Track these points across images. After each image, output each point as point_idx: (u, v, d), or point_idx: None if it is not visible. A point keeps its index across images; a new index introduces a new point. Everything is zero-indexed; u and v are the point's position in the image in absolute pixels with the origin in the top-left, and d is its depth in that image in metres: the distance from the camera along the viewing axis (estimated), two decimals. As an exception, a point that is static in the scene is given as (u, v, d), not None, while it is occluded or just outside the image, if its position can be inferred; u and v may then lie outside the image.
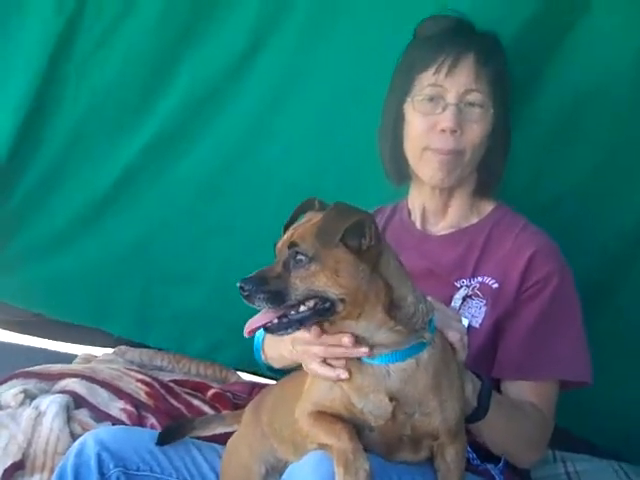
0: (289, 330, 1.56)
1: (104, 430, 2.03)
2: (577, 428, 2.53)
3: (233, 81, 2.67)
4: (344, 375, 1.58)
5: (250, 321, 1.58)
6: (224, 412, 2.38)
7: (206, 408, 2.59)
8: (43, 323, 3.21)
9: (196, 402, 2.62)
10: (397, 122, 2.09)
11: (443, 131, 1.98)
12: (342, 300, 1.51)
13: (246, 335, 1.59)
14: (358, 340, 1.56)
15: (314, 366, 1.64)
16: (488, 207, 2.14)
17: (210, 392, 2.71)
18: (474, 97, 1.99)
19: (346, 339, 1.56)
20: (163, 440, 1.98)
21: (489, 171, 2.10)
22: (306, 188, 2.26)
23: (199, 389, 2.75)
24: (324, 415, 1.60)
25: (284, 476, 1.61)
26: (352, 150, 2.53)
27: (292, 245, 1.52)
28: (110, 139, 2.82)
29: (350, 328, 1.56)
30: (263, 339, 2.03)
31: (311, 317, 1.54)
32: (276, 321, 1.54)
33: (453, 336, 1.67)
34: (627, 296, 2.45)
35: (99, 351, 3.14)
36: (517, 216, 2.10)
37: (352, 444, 1.52)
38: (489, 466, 1.92)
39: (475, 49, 2.00)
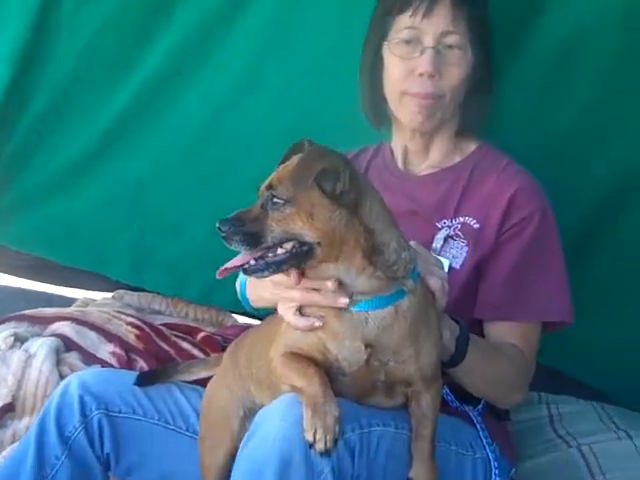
0: (265, 272, 1.55)
1: (88, 373, 2.03)
2: (564, 366, 2.54)
3: (222, 29, 2.67)
4: (318, 323, 1.57)
5: (228, 263, 1.57)
6: (209, 357, 2.38)
7: (195, 351, 2.60)
8: (43, 267, 3.21)
9: (186, 345, 2.63)
10: (375, 66, 2.07)
11: (421, 75, 1.96)
12: (319, 244, 1.50)
13: (218, 276, 1.58)
14: (339, 287, 1.56)
15: (289, 314, 1.63)
16: (471, 146, 2.11)
17: (200, 335, 2.72)
18: (452, 39, 1.96)
19: (329, 284, 1.55)
20: (142, 381, 1.99)
21: (471, 113, 2.08)
22: (296, 134, 2.16)
23: (189, 332, 2.76)
24: (298, 357, 1.59)
25: (255, 419, 1.61)
26: (341, 94, 2.48)
27: (269, 187, 1.52)
28: (102, 87, 2.83)
29: (329, 272, 1.55)
30: (246, 280, 2.02)
31: (288, 260, 1.53)
32: (253, 262, 1.54)
33: (434, 283, 1.66)
34: (618, 233, 2.43)
35: (98, 295, 3.16)
36: (500, 155, 2.07)
37: (322, 388, 1.51)
38: (468, 408, 1.93)
39: None
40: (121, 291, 3.09)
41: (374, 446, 1.60)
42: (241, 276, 1.98)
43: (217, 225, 1.49)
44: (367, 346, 1.55)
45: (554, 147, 2.38)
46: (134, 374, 2.05)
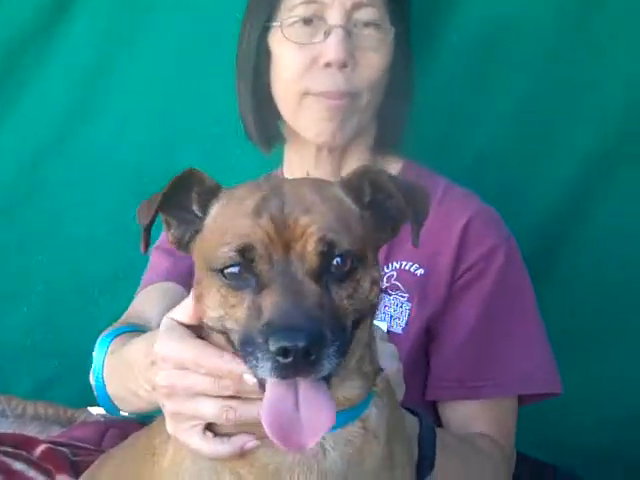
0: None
1: None
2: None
3: (39, 48, 2.28)
4: (251, 443, 1.04)
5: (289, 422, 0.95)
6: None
7: (32, 473, 2.01)
8: None
9: (19, 466, 2.03)
10: (260, 61, 1.62)
11: (328, 65, 1.52)
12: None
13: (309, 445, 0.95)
14: None
15: (192, 437, 1.07)
16: (395, 166, 1.70)
17: (39, 449, 2.10)
18: (367, 13, 1.54)
19: (248, 377, 1.00)
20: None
21: (391, 117, 1.66)
22: (144, 174, 2.13)
23: (24, 445, 2.14)
24: None
25: None
26: (206, 112, 2.15)
27: (327, 245, 0.98)
28: None
29: None
30: (102, 365, 1.39)
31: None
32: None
33: (389, 367, 1.16)
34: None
35: None
36: (435, 175, 1.70)
37: None
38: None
39: None
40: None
41: None
42: (95, 362, 1.38)
43: (285, 345, 0.90)
44: None
45: (480, 167, 2.05)
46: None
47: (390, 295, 1.55)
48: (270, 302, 0.93)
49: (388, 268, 1.57)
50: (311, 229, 0.97)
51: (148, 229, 1.04)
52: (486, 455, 1.49)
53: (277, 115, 1.63)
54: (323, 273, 0.97)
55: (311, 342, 0.89)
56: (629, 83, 2.01)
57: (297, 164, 1.67)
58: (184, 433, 1.07)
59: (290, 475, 1.04)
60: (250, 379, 0.98)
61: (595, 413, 2.07)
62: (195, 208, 1.07)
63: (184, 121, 2.20)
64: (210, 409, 1.03)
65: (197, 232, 1.07)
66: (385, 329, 1.52)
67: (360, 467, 1.06)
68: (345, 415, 1.04)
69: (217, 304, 1.00)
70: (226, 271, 0.97)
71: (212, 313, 1.01)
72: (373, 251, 1.04)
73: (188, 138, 2.20)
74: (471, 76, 2.04)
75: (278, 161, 1.80)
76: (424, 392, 1.56)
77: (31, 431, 2.43)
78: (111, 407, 1.35)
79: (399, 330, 1.53)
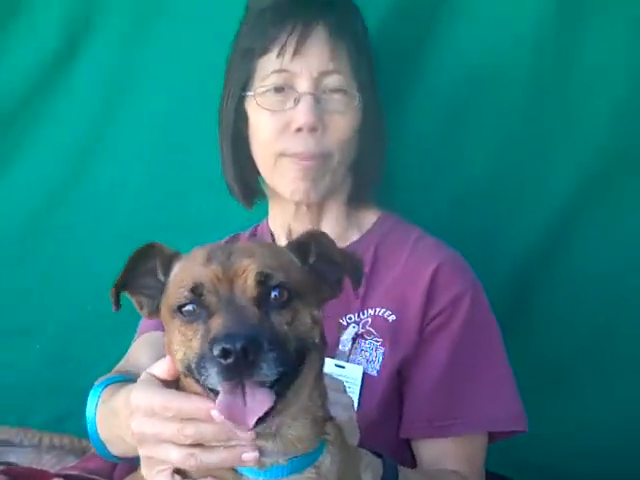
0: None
1: None
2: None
3: (47, 90, 2.36)
4: None
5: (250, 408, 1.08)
6: None
7: None
8: None
9: None
10: (238, 125, 1.75)
11: (299, 130, 1.64)
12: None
13: (249, 430, 1.09)
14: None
15: (159, 477, 1.19)
16: (371, 218, 1.82)
17: None
18: (333, 81, 1.65)
19: (215, 412, 1.09)
20: None
21: (364, 174, 1.77)
22: (142, 222, 2.22)
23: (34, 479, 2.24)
24: None
25: None
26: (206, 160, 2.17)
27: (265, 277, 1.14)
28: None
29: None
30: (95, 412, 1.49)
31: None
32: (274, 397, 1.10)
33: (342, 416, 1.25)
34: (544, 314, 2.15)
35: None
36: (408, 226, 1.80)
37: None
38: None
39: (325, 18, 1.65)
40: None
41: None
42: (88, 410, 1.48)
43: (224, 346, 1.03)
44: None
45: (457, 214, 2.12)
46: None
47: (366, 340, 1.64)
48: (216, 323, 1.08)
49: (364, 315, 1.67)
50: (251, 267, 1.12)
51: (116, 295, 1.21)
52: None
53: (257, 172, 1.73)
54: (262, 301, 1.11)
55: (248, 343, 1.02)
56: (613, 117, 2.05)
57: (280, 217, 1.79)
58: (156, 476, 1.19)
59: None
60: (217, 416, 1.09)
61: (568, 445, 2.09)
62: (160, 273, 1.21)
63: (187, 170, 2.25)
64: (175, 455, 1.15)
65: (163, 294, 1.21)
66: (361, 372, 1.60)
67: None
68: (301, 461, 1.15)
69: (180, 343, 1.13)
70: (183, 309, 1.12)
71: (178, 355, 1.14)
72: (316, 297, 1.19)
73: (191, 186, 2.25)
74: (448, 120, 2.09)
75: (265, 214, 1.88)
76: (398, 431, 1.62)
77: (48, 461, 2.52)
78: (104, 451, 1.46)
79: (374, 373, 1.61)
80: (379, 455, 1.40)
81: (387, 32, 1.99)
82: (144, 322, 1.78)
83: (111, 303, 1.23)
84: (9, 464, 2.41)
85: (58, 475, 2.24)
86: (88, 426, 1.50)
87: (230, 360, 1.02)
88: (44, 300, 2.50)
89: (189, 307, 1.12)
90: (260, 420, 1.06)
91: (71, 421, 2.51)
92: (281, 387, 1.08)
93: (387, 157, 1.85)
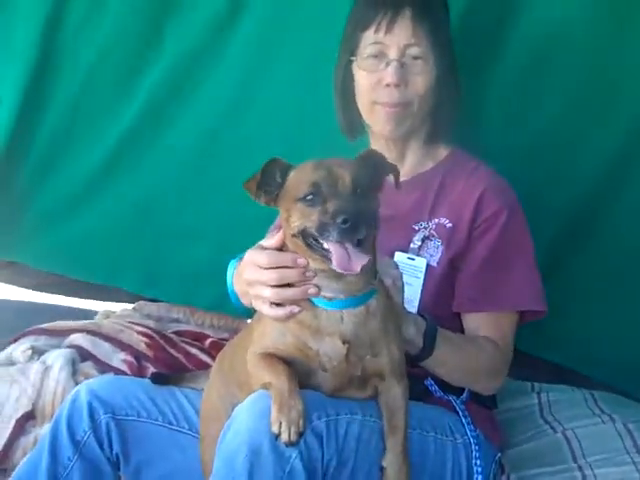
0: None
1: (96, 380, 2.17)
2: (560, 358, 2.63)
3: (216, 47, 2.78)
4: (296, 309, 1.67)
5: (346, 258, 1.58)
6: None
7: (203, 356, 2.72)
8: (66, 283, 3.33)
9: (194, 351, 2.75)
10: (347, 80, 2.20)
11: (388, 85, 2.07)
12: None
13: (358, 270, 1.59)
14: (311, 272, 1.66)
15: (265, 308, 1.72)
16: (443, 152, 2.23)
17: (208, 341, 2.84)
18: (414, 51, 2.07)
19: (302, 259, 1.66)
20: (156, 381, 2.15)
21: (440, 119, 2.19)
22: (291, 144, 2.54)
23: (198, 339, 2.87)
24: (269, 356, 1.70)
25: (232, 414, 1.71)
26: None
27: (353, 179, 1.63)
28: (109, 104, 2.95)
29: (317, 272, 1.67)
30: (234, 274, 1.99)
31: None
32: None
33: (386, 281, 1.77)
34: (605, 235, 2.50)
35: (120, 307, 3.26)
36: (470, 159, 2.19)
37: (289, 384, 1.62)
38: (451, 397, 2.04)
39: (410, 5, 2.08)
40: (142, 302, 3.21)
41: (342, 432, 1.69)
42: (229, 270, 2.01)
43: (344, 217, 1.54)
44: (345, 342, 1.68)
45: (533, 146, 2.47)
46: (138, 380, 2.20)
47: (431, 240, 2.10)
48: (332, 204, 1.57)
49: (431, 222, 2.11)
50: (347, 172, 1.61)
51: (256, 190, 1.69)
52: (483, 347, 1.99)
53: (359, 115, 2.21)
54: (354, 194, 1.59)
55: (356, 215, 1.54)
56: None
57: (375, 148, 2.23)
58: (261, 307, 1.73)
59: (323, 331, 1.65)
60: (302, 261, 1.64)
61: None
62: (277, 177, 1.68)
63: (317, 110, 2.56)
64: (267, 293, 1.70)
65: (279, 190, 1.68)
66: (425, 263, 2.08)
67: (365, 331, 1.67)
68: (356, 300, 1.66)
69: (300, 217, 1.61)
70: (307, 198, 1.60)
71: (296, 223, 1.61)
72: (376, 192, 1.70)
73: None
74: (521, 84, 2.43)
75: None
76: (452, 306, 2.08)
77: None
78: (238, 302, 2.01)
79: (435, 264, 2.07)
80: (423, 317, 1.91)
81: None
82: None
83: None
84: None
85: (213, 337, 2.80)
86: (229, 286, 2.02)
87: (348, 224, 1.53)
88: (211, 204, 2.90)
89: (310, 197, 1.59)
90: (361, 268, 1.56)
91: (229, 303, 2.80)
92: (365, 246, 1.61)
93: (462, 106, 2.19)
